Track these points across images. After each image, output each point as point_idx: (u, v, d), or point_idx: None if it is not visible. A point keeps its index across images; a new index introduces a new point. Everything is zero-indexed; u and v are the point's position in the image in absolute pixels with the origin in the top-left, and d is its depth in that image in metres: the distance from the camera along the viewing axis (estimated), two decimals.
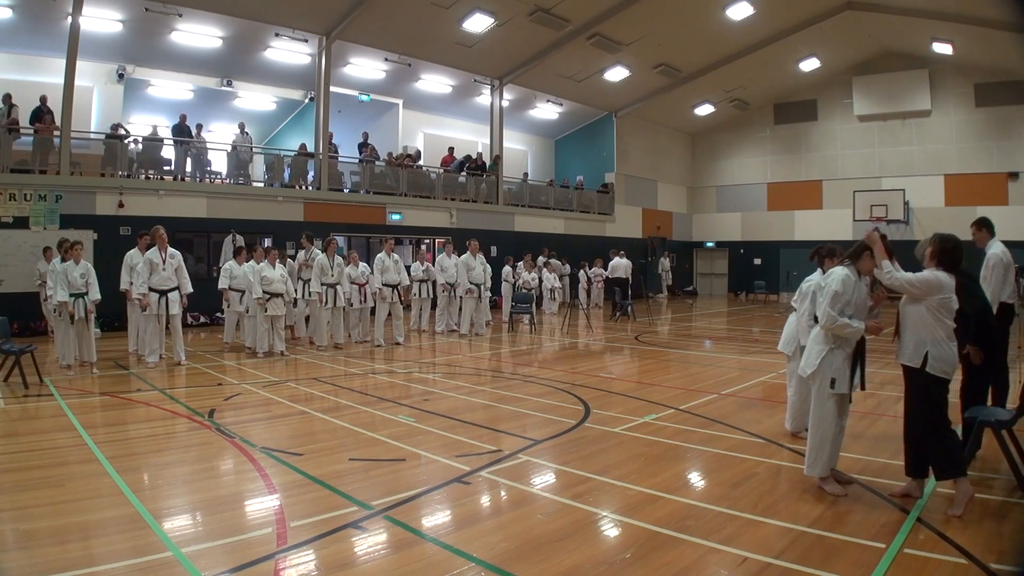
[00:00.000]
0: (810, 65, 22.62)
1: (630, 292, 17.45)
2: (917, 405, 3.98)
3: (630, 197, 25.28)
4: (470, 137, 22.52)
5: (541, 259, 17.90)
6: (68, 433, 5.59)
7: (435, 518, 3.88)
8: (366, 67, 18.04)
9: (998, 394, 5.05)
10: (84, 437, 5.42)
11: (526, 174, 23.27)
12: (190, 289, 9.54)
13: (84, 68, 13.95)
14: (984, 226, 5.49)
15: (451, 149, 20.42)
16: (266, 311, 9.87)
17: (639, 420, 6.10)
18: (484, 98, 21.01)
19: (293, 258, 12.28)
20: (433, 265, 13.44)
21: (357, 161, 17.95)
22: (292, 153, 17.04)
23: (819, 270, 5.10)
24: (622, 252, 18.51)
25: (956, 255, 3.96)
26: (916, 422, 4.00)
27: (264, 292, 9.80)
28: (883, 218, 22.67)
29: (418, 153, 20.13)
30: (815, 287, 4.82)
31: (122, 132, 14.30)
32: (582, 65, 19.97)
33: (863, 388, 4.32)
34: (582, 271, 19.52)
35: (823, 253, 5.20)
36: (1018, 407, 4.19)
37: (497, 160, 20.82)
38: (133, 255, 9.75)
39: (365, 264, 11.72)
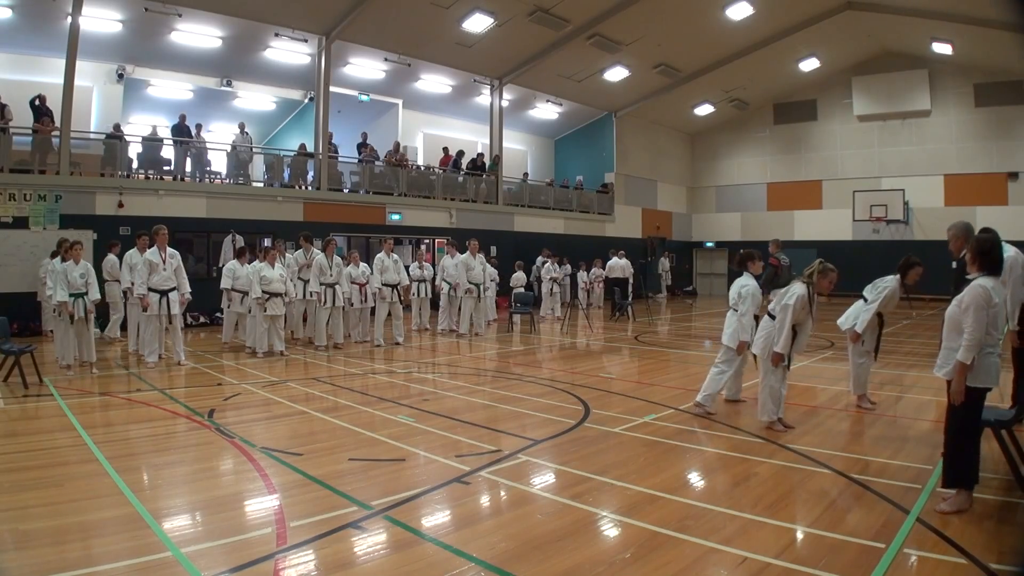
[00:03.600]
0: (810, 65, 22.64)
1: (630, 292, 17.46)
2: (952, 412, 3.86)
3: (630, 197, 25.28)
4: (470, 137, 22.52)
5: (540, 259, 17.97)
6: (68, 433, 5.59)
7: (435, 518, 3.88)
8: (366, 67, 18.05)
9: (1018, 394, 5.01)
10: (84, 437, 5.42)
11: (526, 174, 23.28)
12: (188, 289, 9.52)
13: (84, 68, 13.95)
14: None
15: (445, 149, 20.46)
16: (265, 311, 9.87)
17: (639, 420, 6.10)
18: (484, 98, 21.02)
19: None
20: (433, 266, 13.48)
21: (357, 161, 17.96)
22: (292, 153, 17.05)
23: (746, 274, 6.32)
24: (621, 252, 18.52)
25: (997, 254, 3.87)
26: (950, 428, 3.89)
27: (263, 292, 9.80)
28: (883, 218, 22.70)
29: (406, 149, 20.02)
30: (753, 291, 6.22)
31: (120, 134, 14.29)
32: (582, 65, 19.97)
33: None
34: (581, 271, 19.51)
35: (743, 257, 6.48)
36: (1018, 407, 4.19)
37: (497, 160, 20.82)
38: (132, 255, 9.75)
39: (365, 264, 11.73)
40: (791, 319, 5.34)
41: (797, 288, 5.42)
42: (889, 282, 6.19)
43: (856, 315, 6.41)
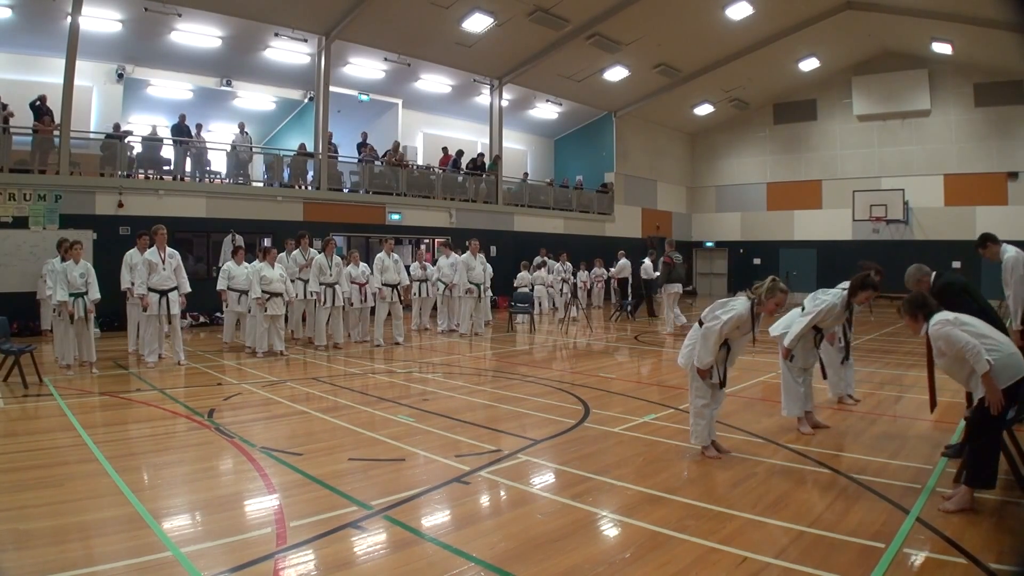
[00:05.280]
0: (809, 65, 22.62)
1: (630, 292, 17.46)
2: (980, 412, 3.85)
3: (629, 197, 25.28)
4: (470, 137, 22.53)
5: (538, 260, 17.98)
6: (68, 433, 5.59)
7: (435, 518, 3.88)
8: (365, 67, 18.05)
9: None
10: (84, 437, 5.42)
11: (526, 174, 23.28)
12: (188, 289, 9.53)
13: (84, 68, 13.95)
14: (988, 240, 5.45)
15: (444, 149, 20.47)
16: (265, 310, 9.87)
17: (639, 420, 6.10)
18: (484, 98, 21.02)
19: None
20: (433, 265, 13.48)
21: (356, 161, 17.96)
22: (292, 153, 17.04)
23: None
24: (652, 252, 18.46)
25: (930, 302, 4.03)
26: (977, 428, 3.88)
27: (263, 292, 9.80)
28: (883, 218, 22.69)
29: (406, 149, 20.00)
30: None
31: (120, 135, 14.28)
32: (582, 65, 19.97)
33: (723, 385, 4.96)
34: (582, 271, 19.50)
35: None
36: (1018, 407, 4.19)
37: (497, 160, 20.82)
38: (132, 255, 9.75)
39: (365, 264, 11.73)
40: (721, 336, 4.71)
41: (739, 304, 4.78)
42: (831, 297, 5.39)
43: (789, 324, 5.56)
